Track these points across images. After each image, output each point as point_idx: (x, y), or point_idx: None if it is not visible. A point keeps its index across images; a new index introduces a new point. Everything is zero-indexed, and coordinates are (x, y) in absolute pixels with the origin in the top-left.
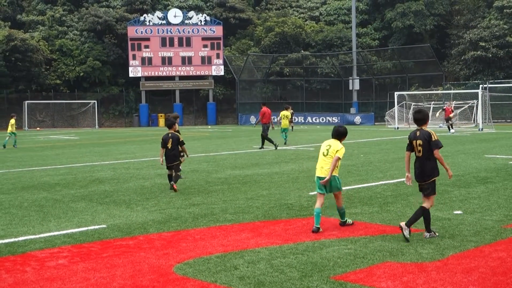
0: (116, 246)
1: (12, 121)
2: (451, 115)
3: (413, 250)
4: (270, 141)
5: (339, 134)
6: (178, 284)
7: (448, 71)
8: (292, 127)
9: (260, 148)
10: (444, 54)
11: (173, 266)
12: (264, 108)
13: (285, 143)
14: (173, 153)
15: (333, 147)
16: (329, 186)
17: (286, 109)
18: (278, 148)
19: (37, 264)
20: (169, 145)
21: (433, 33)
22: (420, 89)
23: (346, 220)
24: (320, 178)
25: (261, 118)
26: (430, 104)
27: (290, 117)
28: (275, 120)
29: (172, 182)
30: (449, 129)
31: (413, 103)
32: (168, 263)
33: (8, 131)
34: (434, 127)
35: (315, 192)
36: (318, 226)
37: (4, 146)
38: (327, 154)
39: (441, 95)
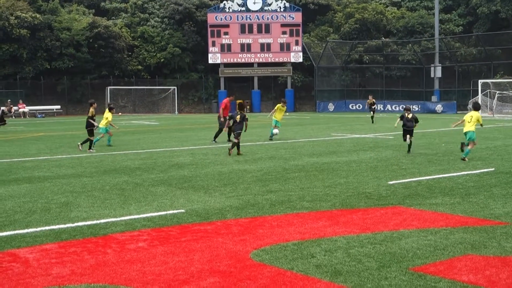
0: (194, 231)
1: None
2: None
3: (496, 243)
4: (217, 136)
5: (477, 107)
6: (254, 270)
7: None
8: (372, 117)
9: (228, 141)
10: None
11: (250, 252)
12: (225, 100)
13: (270, 138)
14: (239, 126)
15: (474, 116)
16: (469, 137)
17: (284, 103)
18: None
19: (118, 246)
20: (237, 119)
21: None
22: (506, 77)
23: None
24: (465, 133)
25: (222, 110)
26: None
27: (285, 110)
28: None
29: (231, 149)
30: None
31: (497, 92)
32: (245, 249)
33: (102, 125)
34: None
35: (394, 182)
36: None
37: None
38: (470, 121)
39: None
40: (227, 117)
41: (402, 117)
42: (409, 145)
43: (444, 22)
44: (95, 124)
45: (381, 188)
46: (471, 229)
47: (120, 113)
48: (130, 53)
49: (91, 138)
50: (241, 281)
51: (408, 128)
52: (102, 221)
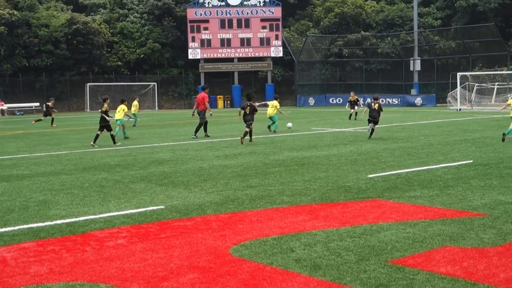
0: (173, 227)
1: (136, 102)
2: None
3: (474, 234)
4: (197, 130)
5: None
6: (234, 265)
7: None
8: (356, 113)
9: (206, 136)
10: (509, 33)
11: (230, 248)
12: (199, 94)
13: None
14: (250, 116)
15: None
16: None
17: (276, 99)
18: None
19: (97, 244)
20: (247, 111)
21: (498, 12)
22: (484, 69)
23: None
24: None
25: (197, 105)
26: (494, 85)
27: (278, 107)
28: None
29: (243, 137)
30: None
31: (476, 84)
32: (225, 244)
33: (132, 112)
34: (496, 108)
35: (374, 175)
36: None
37: (134, 125)
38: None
39: (505, 76)
40: (205, 111)
41: (369, 106)
42: (371, 132)
43: (423, 15)
44: (110, 118)
45: (360, 181)
46: (449, 221)
47: (99, 110)
48: (109, 49)
49: (112, 133)
50: (221, 277)
51: (373, 118)
52: (81, 218)
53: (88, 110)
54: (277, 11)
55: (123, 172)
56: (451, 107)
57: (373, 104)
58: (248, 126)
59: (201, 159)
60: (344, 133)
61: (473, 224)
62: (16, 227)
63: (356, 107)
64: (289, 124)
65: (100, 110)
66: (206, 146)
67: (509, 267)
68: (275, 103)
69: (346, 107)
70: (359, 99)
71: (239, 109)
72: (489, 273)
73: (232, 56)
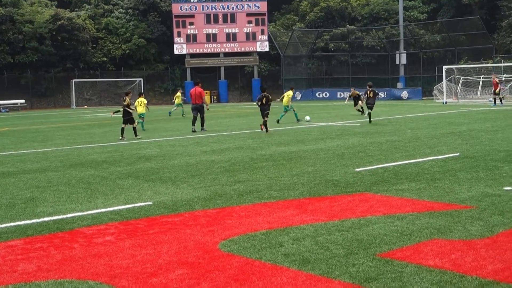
0: (162, 223)
1: (178, 93)
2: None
3: (462, 227)
4: (202, 123)
5: None
6: (223, 260)
7: (499, 44)
8: (362, 107)
9: (202, 130)
10: (494, 26)
11: (218, 243)
12: (194, 89)
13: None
14: (266, 107)
15: None
16: None
17: (291, 89)
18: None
19: (85, 240)
20: (264, 101)
21: (483, 5)
22: (469, 62)
23: None
24: None
25: (193, 100)
26: (480, 77)
27: (291, 95)
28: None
29: (262, 125)
30: (494, 102)
31: (462, 77)
32: (213, 240)
33: (176, 103)
34: (482, 101)
35: (361, 169)
36: None
37: (170, 114)
38: None
39: (491, 69)
40: (203, 105)
41: (365, 94)
42: (369, 115)
43: (409, 9)
44: (132, 110)
45: (348, 175)
46: (437, 214)
47: (85, 106)
48: (94, 45)
49: (134, 125)
50: (210, 272)
51: (369, 105)
52: (69, 215)
53: (73, 106)
54: (262, 6)
55: (110, 169)
56: (437, 100)
57: (368, 92)
58: (265, 116)
59: (188, 154)
60: (332, 127)
61: (461, 217)
62: (3, 225)
63: (360, 102)
64: (307, 117)
65: (123, 105)
66: (193, 141)
67: (496, 259)
68: (290, 93)
69: (346, 101)
70: (360, 94)
71: (255, 102)
72: (477, 265)
73: (218, 51)
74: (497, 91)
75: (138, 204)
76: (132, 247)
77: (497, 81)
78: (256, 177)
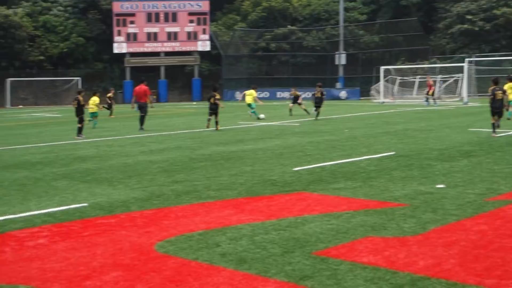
0: (97, 225)
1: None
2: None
3: (395, 224)
4: (142, 122)
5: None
6: (159, 262)
7: (435, 45)
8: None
9: (141, 130)
10: (431, 27)
11: (155, 244)
12: (139, 87)
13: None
14: (214, 106)
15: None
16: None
17: (254, 88)
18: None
19: (16, 244)
20: (212, 101)
21: (421, 7)
22: (406, 63)
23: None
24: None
25: (137, 98)
26: (416, 78)
27: (254, 95)
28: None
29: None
30: (427, 101)
31: (398, 78)
32: (150, 241)
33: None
34: (418, 101)
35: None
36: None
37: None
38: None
39: (427, 69)
40: (147, 103)
41: (313, 95)
42: (317, 115)
43: (349, 10)
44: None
45: (286, 174)
46: (372, 212)
47: (20, 106)
48: (31, 44)
49: (80, 125)
50: (145, 274)
51: (316, 103)
52: (0, 218)
53: (8, 106)
54: (204, 5)
55: (44, 170)
56: (374, 100)
57: (316, 91)
58: (211, 114)
59: (126, 155)
60: (271, 127)
61: (394, 214)
62: None
63: (298, 101)
64: (262, 115)
65: (76, 103)
66: (131, 141)
67: (428, 255)
68: (252, 92)
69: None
70: (299, 94)
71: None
72: (409, 261)
73: (159, 50)
74: (430, 92)
75: (73, 206)
76: (66, 250)
77: (432, 83)
78: (195, 177)
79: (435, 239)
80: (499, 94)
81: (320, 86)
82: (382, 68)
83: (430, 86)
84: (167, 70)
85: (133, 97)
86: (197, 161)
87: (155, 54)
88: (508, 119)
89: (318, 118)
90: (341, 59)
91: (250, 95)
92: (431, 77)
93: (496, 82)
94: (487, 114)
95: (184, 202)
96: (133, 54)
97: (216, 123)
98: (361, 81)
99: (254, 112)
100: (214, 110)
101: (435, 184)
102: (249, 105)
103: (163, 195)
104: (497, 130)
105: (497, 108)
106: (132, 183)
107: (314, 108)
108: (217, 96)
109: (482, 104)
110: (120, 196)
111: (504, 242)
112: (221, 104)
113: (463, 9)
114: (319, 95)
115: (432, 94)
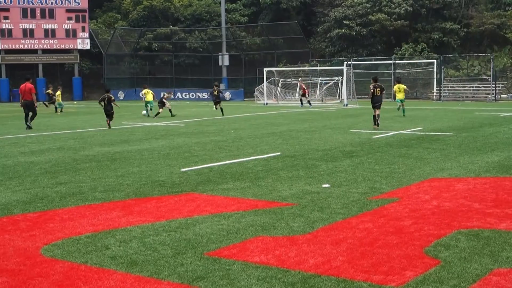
0: None
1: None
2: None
3: (285, 224)
4: (32, 118)
5: (399, 81)
6: (46, 266)
7: (315, 48)
8: (220, 108)
9: (29, 128)
10: (311, 31)
11: (40, 248)
12: (24, 85)
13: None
14: (109, 107)
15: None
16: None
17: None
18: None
19: None
20: (106, 102)
21: (300, 10)
22: (288, 65)
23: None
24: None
25: (23, 96)
26: (298, 80)
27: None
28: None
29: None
30: (301, 103)
31: (281, 79)
32: (35, 245)
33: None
34: (295, 103)
35: (187, 169)
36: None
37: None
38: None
39: (308, 72)
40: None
41: (211, 94)
42: (221, 111)
43: (231, 11)
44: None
45: (174, 175)
46: (261, 212)
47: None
48: None
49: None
50: (32, 279)
51: (216, 100)
52: None
53: None
54: (83, 2)
55: None
56: (258, 102)
57: (214, 90)
58: (378, 107)
59: (5, 156)
60: (156, 127)
61: (283, 214)
62: None
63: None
64: (144, 112)
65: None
66: (10, 142)
67: (317, 253)
68: (149, 91)
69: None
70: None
71: (99, 101)
72: (300, 260)
73: (36, 47)
74: (304, 94)
75: None
76: None
77: (304, 86)
78: (79, 178)
79: (323, 238)
80: (377, 90)
81: (217, 86)
82: (265, 69)
83: (304, 89)
84: (46, 68)
85: (19, 95)
86: (81, 162)
87: (32, 51)
88: (404, 115)
89: (224, 115)
90: (224, 60)
91: (149, 93)
92: (303, 80)
93: (375, 80)
94: (367, 116)
95: (70, 205)
96: (8, 51)
97: (109, 122)
98: (245, 82)
99: (151, 109)
100: (109, 110)
101: (321, 183)
102: (149, 102)
103: (46, 197)
104: (376, 127)
105: (376, 102)
106: (13, 185)
107: (215, 107)
108: (112, 98)
109: (361, 106)
110: (1, 199)
111: (388, 239)
112: (117, 104)
113: (340, 14)
114: (216, 93)
115: (304, 96)
